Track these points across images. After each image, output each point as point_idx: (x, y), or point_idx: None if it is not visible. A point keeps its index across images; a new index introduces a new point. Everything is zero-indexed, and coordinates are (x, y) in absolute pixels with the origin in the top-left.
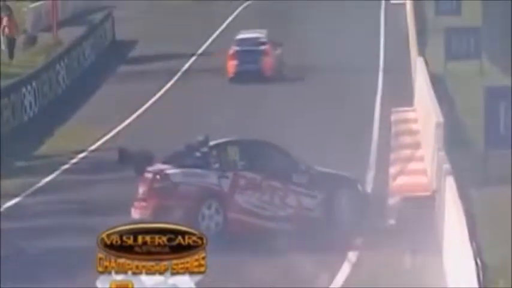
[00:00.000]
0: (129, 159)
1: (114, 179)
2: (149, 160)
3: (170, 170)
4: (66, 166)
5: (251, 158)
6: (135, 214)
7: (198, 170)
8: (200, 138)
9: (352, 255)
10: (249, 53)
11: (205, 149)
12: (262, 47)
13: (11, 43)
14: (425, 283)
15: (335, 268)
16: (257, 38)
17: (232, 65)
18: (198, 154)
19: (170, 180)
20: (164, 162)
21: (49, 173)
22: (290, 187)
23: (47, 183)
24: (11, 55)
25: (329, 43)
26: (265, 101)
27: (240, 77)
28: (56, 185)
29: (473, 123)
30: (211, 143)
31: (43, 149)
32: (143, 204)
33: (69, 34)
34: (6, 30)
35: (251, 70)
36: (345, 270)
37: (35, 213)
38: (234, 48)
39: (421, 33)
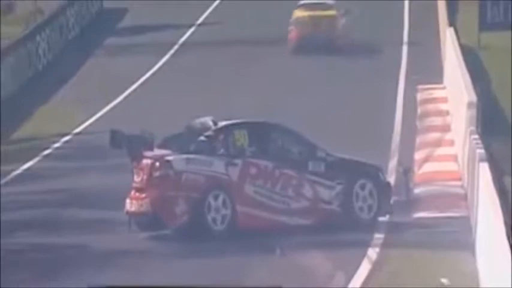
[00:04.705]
0: (123, 143)
1: (104, 166)
2: (147, 144)
3: (172, 156)
4: (47, 151)
5: (262, 142)
6: (131, 206)
7: (203, 157)
8: (204, 120)
9: (372, 253)
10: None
11: (210, 133)
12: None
13: None
14: (456, 285)
15: (353, 267)
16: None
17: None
18: (202, 138)
19: (172, 168)
20: (160, 147)
21: (28, 159)
22: (306, 176)
23: (27, 170)
24: None
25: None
26: (274, 78)
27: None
28: (37, 172)
29: (510, 102)
30: (217, 125)
31: (21, 133)
32: (141, 195)
33: (51, 1)
34: None
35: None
36: (364, 269)
37: (12, 205)
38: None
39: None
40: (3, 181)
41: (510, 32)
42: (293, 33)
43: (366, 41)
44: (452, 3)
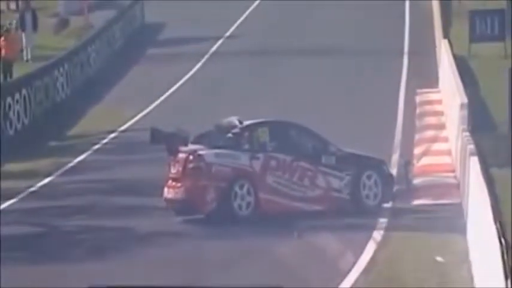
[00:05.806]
0: (162, 139)
1: (145, 159)
2: (182, 140)
3: (204, 151)
4: (97, 146)
5: (281, 139)
6: (169, 194)
7: (230, 151)
8: (231, 119)
9: (377, 235)
10: None
11: (236, 130)
12: None
13: (6, 66)
14: (449, 262)
15: (360, 246)
16: None
17: None
18: (229, 135)
19: (204, 160)
20: (194, 142)
21: (81, 153)
22: (319, 168)
23: (79, 162)
24: (5, 77)
25: (353, 25)
26: (291, 83)
27: None
28: (88, 164)
29: (497, 104)
30: (242, 124)
31: (75, 130)
32: (177, 184)
33: (100, 17)
34: (3, 52)
35: None
36: (370, 249)
37: (67, 192)
38: None
39: (445, 15)
40: (60, 172)
41: (495, 43)
42: None
43: (371, 50)
44: (446, 19)
